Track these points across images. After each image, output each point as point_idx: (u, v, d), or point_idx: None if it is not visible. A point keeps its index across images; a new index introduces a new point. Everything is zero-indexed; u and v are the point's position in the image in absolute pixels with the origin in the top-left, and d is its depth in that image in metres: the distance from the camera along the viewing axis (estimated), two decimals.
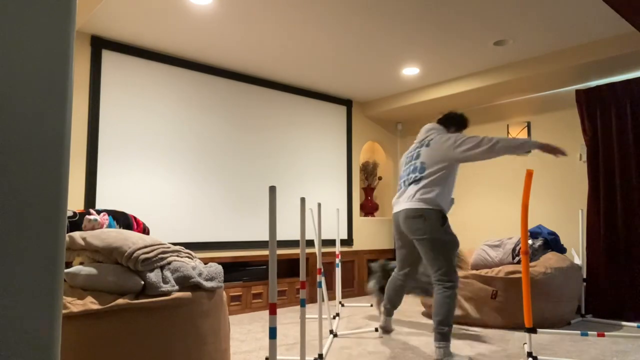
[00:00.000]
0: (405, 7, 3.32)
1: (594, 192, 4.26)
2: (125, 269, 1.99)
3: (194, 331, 2.03)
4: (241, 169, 4.65)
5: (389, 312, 3.50)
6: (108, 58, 3.87)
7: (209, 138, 4.44)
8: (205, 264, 2.38)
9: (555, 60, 4.13)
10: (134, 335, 1.87)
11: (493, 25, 3.63)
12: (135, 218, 2.93)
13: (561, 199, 4.65)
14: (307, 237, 5.09)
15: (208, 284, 2.15)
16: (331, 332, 3.43)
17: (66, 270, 1.97)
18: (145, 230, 2.96)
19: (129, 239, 2.07)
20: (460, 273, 3.84)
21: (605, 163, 4.22)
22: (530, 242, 4.06)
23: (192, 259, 2.30)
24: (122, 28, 3.66)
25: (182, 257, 2.24)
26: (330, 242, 5.30)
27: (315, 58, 4.30)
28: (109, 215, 2.72)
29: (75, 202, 3.65)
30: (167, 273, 2.06)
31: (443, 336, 2.79)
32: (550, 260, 3.85)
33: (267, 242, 4.74)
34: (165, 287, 2.00)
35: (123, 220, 2.83)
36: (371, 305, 4.75)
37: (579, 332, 2.95)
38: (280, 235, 4.91)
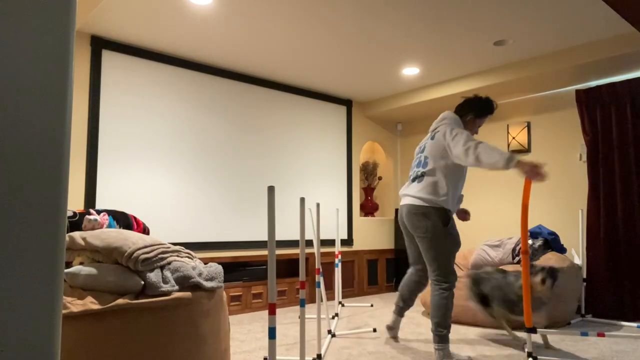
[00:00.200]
0: (405, 7, 3.32)
1: (594, 192, 4.26)
2: (125, 269, 1.99)
3: (194, 331, 2.03)
4: (241, 169, 4.65)
5: (400, 312, 3.29)
6: (108, 58, 3.87)
7: (209, 138, 4.44)
8: (205, 264, 2.38)
9: (555, 60, 4.13)
10: (134, 335, 1.87)
11: (493, 25, 3.63)
12: (135, 218, 2.93)
13: (561, 199, 4.65)
14: (307, 237, 5.09)
15: (208, 284, 2.15)
16: (329, 332, 3.43)
17: (66, 270, 1.97)
18: (145, 230, 2.96)
19: (129, 239, 2.07)
20: (459, 273, 3.84)
21: (605, 163, 4.21)
22: (530, 242, 4.06)
23: (192, 259, 2.30)
24: (122, 28, 3.67)
25: (182, 257, 2.24)
26: (331, 242, 5.30)
27: (315, 58, 4.30)
28: (109, 215, 2.72)
29: (75, 202, 3.65)
30: (167, 273, 2.06)
31: (442, 338, 2.76)
32: (550, 260, 3.85)
33: (267, 242, 4.74)
34: (165, 287, 2.00)
35: (123, 220, 2.83)
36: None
37: (579, 332, 2.95)
38: (280, 235, 4.91)
